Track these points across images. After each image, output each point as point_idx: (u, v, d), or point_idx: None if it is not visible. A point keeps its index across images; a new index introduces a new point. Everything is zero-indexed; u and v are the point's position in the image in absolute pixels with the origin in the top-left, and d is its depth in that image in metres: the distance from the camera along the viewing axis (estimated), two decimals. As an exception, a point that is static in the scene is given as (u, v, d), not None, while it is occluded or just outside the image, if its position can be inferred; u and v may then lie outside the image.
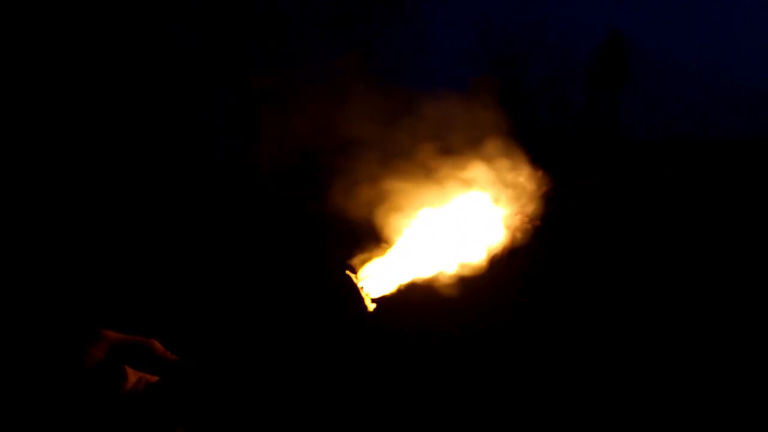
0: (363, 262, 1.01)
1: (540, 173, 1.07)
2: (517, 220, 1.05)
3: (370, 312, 0.96)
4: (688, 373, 4.34)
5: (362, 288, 0.97)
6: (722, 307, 5.77)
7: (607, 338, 5.00)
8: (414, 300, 1.00)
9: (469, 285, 1.02)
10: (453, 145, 1.15)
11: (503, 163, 1.07)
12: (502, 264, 1.05)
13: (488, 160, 1.08)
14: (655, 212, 10.61)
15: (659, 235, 9.11)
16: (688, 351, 4.72)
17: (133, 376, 0.90)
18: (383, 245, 1.04)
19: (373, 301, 0.98)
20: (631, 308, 5.80)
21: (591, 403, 3.90)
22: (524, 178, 1.06)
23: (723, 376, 4.27)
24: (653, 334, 5.11)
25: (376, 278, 1.00)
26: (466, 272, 1.04)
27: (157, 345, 0.92)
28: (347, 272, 0.97)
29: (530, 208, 1.05)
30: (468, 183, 1.08)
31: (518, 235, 1.04)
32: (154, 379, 0.92)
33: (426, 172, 1.12)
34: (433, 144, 1.18)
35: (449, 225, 1.04)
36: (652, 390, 4.05)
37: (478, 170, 1.08)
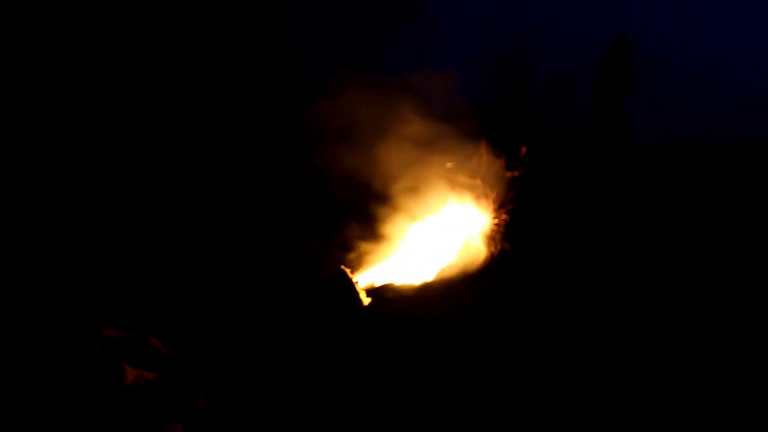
0: (358, 258, 1.02)
1: (519, 175, 1.09)
2: (498, 221, 1.06)
3: (365, 306, 0.97)
4: (687, 375, 4.32)
5: (357, 282, 0.98)
6: (724, 309, 5.73)
7: (616, 344, 4.97)
8: (408, 294, 1.00)
9: (463, 279, 1.03)
10: (438, 155, 1.16)
11: (485, 169, 1.09)
12: (497, 263, 1.06)
13: (472, 169, 1.10)
14: (661, 215, 10.56)
15: (667, 238, 9.06)
16: (693, 358, 4.68)
17: (131, 373, 0.91)
18: (378, 241, 1.05)
19: (368, 295, 0.98)
20: (635, 311, 5.76)
21: (589, 401, 3.88)
22: (504, 181, 1.08)
23: (721, 376, 4.24)
24: (660, 338, 5.08)
25: (371, 273, 1.01)
26: (459, 267, 1.04)
27: (155, 341, 0.94)
28: (342, 267, 0.98)
29: (508, 212, 1.07)
30: (455, 185, 1.09)
31: (505, 234, 1.05)
32: (152, 376, 0.93)
33: (417, 176, 1.13)
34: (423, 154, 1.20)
35: (441, 223, 1.05)
36: (647, 389, 4.04)
37: (462, 175, 1.09)
